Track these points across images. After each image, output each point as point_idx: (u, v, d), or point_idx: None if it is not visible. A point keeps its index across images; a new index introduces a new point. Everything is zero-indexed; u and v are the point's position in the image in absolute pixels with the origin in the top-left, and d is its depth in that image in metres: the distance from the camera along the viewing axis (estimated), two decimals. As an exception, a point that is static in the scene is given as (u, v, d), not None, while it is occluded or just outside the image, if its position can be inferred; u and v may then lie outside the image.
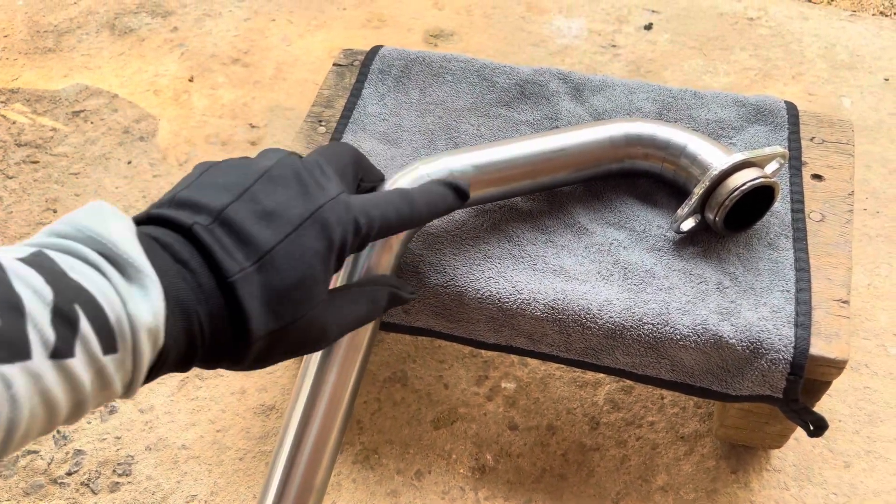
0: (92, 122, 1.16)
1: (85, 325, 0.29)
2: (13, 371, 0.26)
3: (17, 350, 0.27)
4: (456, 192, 0.52)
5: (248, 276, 0.36)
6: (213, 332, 0.36)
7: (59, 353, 0.28)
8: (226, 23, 1.32)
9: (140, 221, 0.37)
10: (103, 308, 0.30)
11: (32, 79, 1.23)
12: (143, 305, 0.32)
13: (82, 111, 1.18)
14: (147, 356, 0.32)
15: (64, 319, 0.29)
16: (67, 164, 1.11)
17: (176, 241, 0.35)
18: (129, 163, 1.11)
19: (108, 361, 0.30)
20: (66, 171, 1.10)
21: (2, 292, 0.27)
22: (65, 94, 1.20)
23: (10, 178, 1.09)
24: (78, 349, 0.29)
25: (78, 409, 0.30)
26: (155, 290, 0.32)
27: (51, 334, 0.28)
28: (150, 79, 1.23)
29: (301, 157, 0.44)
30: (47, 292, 0.29)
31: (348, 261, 0.55)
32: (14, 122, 1.17)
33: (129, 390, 0.33)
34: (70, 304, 0.29)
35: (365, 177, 0.53)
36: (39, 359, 0.27)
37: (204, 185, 0.39)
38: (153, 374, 0.34)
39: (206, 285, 0.35)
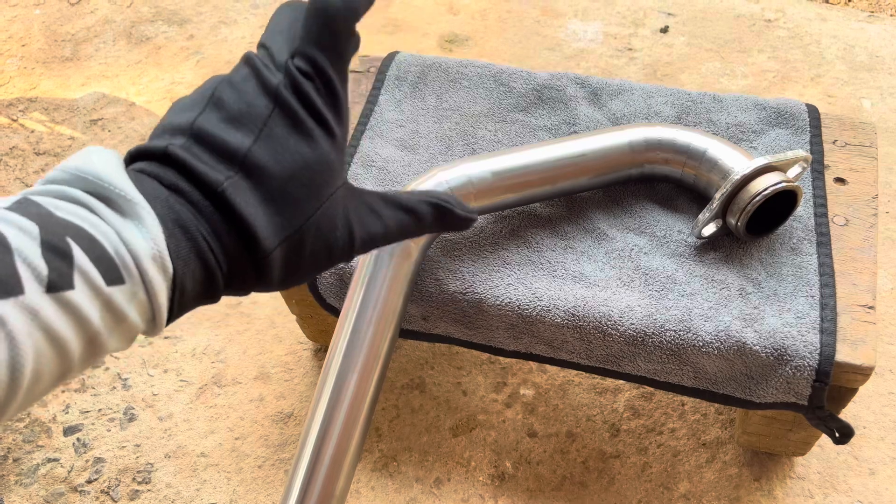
0: (109, 131, 1.17)
1: (80, 257, 0.28)
2: (6, 308, 0.26)
3: (7, 286, 0.26)
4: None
5: (236, 183, 0.35)
6: (224, 251, 0.35)
7: (56, 285, 0.27)
8: (241, 30, 1.33)
9: (125, 164, 0.37)
10: (97, 239, 0.29)
11: (50, 88, 1.24)
12: (139, 233, 0.31)
13: (100, 119, 1.19)
14: (159, 285, 0.31)
15: (56, 252, 0.28)
16: (85, 173, 1.11)
17: (159, 169, 0.35)
18: (147, 170, 1.12)
19: (116, 293, 0.29)
20: (84, 179, 1.11)
21: None
22: (82, 103, 1.21)
23: (29, 186, 1.10)
24: (77, 281, 0.28)
25: (93, 346, 0.30)
26: (149, 217, 0.32)
27: (43, 267, 0.27)
28: (167, 87, 1.24)
29: None
30: (32, 227, 0.28)
31: None
32: (32, 131, 1.17)
33: (153, 325, 0.32)
34: (61, 238, 0.28)
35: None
36: (34, 293, 0.27)
37: (175, 109, 0.38)
38: (178, 307, 0.33)
39: (201, 203, 0.34)
